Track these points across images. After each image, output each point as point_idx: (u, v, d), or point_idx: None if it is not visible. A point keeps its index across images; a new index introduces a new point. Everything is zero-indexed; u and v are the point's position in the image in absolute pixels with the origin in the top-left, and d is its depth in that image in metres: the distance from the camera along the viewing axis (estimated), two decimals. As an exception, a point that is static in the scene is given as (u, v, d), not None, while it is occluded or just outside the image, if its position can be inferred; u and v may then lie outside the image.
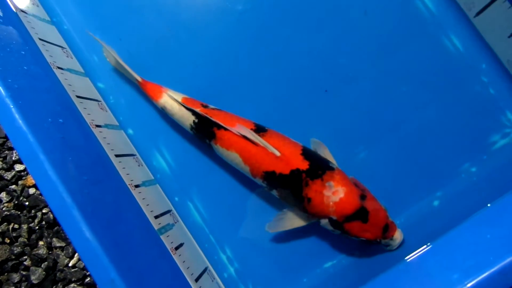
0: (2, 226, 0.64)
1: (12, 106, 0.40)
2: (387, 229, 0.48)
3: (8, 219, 0.64)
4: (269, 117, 0.56)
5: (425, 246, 0.48)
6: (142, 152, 0.56)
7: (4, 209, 0.64)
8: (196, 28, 0.58)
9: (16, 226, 0.64)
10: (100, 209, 0.42)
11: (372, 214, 0.47)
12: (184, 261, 0.49)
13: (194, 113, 0.51)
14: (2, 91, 0.40)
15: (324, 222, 0.48)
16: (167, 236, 0.49)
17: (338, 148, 0.54)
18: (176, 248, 0.50)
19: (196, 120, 0.51)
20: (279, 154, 0.47)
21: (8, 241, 0.64)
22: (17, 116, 0.40)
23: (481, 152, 0.54)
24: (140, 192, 0.50)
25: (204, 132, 0.51)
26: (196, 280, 0.50)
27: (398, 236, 0.48)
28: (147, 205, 0.50)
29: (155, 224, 0.49)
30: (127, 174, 0.50)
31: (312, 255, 0.55)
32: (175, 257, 0.48)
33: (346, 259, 0.54)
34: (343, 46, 0.57)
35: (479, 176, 0.53)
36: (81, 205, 0.39)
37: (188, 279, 0.48)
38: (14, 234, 0.63)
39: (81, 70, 0.56)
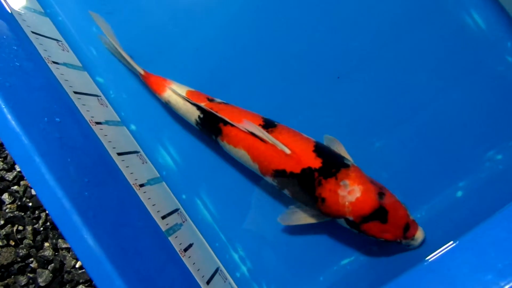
0: (6, 228, 0.62)
1: (3, 106, 0.37)
2: (408, 229, 0.45)
3: (12, 221, 0.62)
4: (278, 108, 0.53)
5: (451, 242, 0.45)
6: (146, 148, 0.53)
7: (7, 210, 0.62)
8: (198, 14, 0.54)
9: (21, 227, 0.62)
10: (102, 213, 0.39)
11: (391, 213, 0.44)
12: (194, 263, 0.47)
13: (199, 108, 0.48)
14: (-8, 91, 0.37)
15: (341, 222, 0.45)
16: (176, 237, 0.47)
17: (352, 138, 0.51)
18: (185, 250, 0.47)
19: (202, 116, 0.48)
20: (289, 151, 0.44)
21: (13, 243, 0.62)
22: (9, 116, 0.37)
23: (506, 139, 0.50)
24: (145, 192, 0.47)
25: (210, 128, 0.48)
26: (208, 282, 0.47)
27: (419, 235, 0.45)
28: (153, 205, 0.47)
29: (163, 225, 0.46)
30: (131, 173, 0.47)
31: (328, 252, 0.52)
32: (184, 260, 0.46)
33: (364, 256, 0.51)
34: (355, 28, 0.53)
35: (505, 164, 0.50)
36: (81, 210, 0.37)
37: (199, 282, 0.46)
38: (18, 236, 0.62)
39: (79, 64, 0.53)
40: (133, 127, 0.54)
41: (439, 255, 0.44)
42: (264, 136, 0.45)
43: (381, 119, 0.52)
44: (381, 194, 0.44)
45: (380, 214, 0.43)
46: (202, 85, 0.52)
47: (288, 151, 0.44)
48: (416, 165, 0.51)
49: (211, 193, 0.54)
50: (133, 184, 0.46)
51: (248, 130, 0.45)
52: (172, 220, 0.48)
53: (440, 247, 0.45)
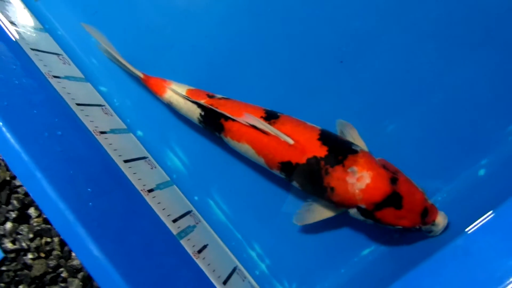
0: (35, 241, 0.64)
1: (2, 125, 0.38)
2: (426, 214, 0.42)
3: (40, 233, 0.64)
4: (281, 99, 0.51)
5: (474, 224, 0.42)
6: (154, 153, 0.53)
7: (34, 224, 0.64)
8: (191, 11, 0.53)
9: (48, 239, 0.64)
10: (107, 222, 0.39)
11: (406, 198, 0.41)
12: (209, 264, 0.46)
13: (199, 105, 0.48)
14: (-10, 111, 0.38)
15: (353, 211, 0.43)
16: (188, 240, 0.46)
17: (363, 123, 0.49)
18: (199, 251, 0.47)
19: (203, 113, 0.48)
20: (293, 142, 0.42)
21: (44, 255, 0.64)
22: (8, 135, 0.38)
23: (530, 109, 0.47)
24: (154, 197, 0.47)
25: (212, 125, 0.48)
26: (225, 282, 0.47)
27: (440, 220, 0.43)
28: (163, 209, 0.47)
29: (174, 229, 0.46)
30: (139, 179, 0.47)
31: (348, 243, 0.50)
32: (198, 261, 0.46)
33: (385, 245, 0.49)
34: (355, 7, 0.51)
35: (531, 136, 0.46)
36: (85, 221, 0.37)
37: (215, 283, 0.45)
38: (47, 248, 0.63)
39: (81, 75, 0.53)
40: (139, 133, 0.54)
41: (462, 239, 0.41)
42: (266, 128, 0.43)
43: (392, 100, 0.50)
44: (394, 179, 0.42)
45: (394, 200, 0.41)
46: (202, 81, 0.52)
47: (291, 142, 0.42)
48: (433, 146, 0.49)
49: (223, 192, 0.53)
50: (141, 190, 0.46)
51: (249, 124, 0.44)
52: (184, 222, 0.48)
53: (463, 231, 0.42)
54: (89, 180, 0.41)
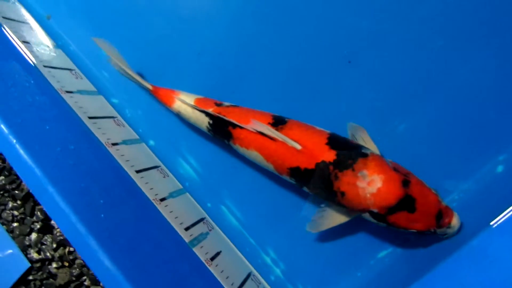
0: (59, 250, 0.66)
1: (15, 142, 0.39)
2: (441, 216, 0.41)
3: (63, 243, 0.66)
4: (290, 103, 0.51)
5: (493, 223, 0.41)
6: (166, 162, 0.54)
7: (57, 234, 0.66)
8: (195, 20, 0.54)
9: (71, 249, 0.66)
10: (118, 233, 0.40)
11: (419, 201, 0.40)
12: (222, 271, 0.47)
13: (207, 114, 0.48)
14: (4, 128, 0.39)
15: (366, 216, 0.42)
16: (201, 247, 0.47)
17: (372, 124, 0.48)
18: (212, 259, 0.47)
19: (211, 122, 0.48)
20: (300, 147, 0.42)
21: (67, 264, 0.66)
22: (21, 151, 0.39)
23: (549, 100, 0.45)
24: (166, 206, 0.48)
25: (221, 133, 0.48)
26: (239, 288, 0.47)
27: (455, 222, 0.41)
28: (176, 217, 0.47)
29: (186, 237, 0.46)
30: (151, 188, 0.48)
31: (363, 246, 0.49)
32: (211, 268, 0.46)
33: (401, 247, 0.48)
34: (361, 4, 0.50)
35: (550, 129, 0.44)
36: (96, 232, 0.38)
37: (228, 290, 0.45)
38: (70, 257, 0.65)
39: (93, 88, 0.55)
40: (151, 142, 0.55)
41: (480, 238, 0.40)
42: (273, 134, 0.43)
43: (401, 99, 0.49)
44: (405, 182, 0.41)
45: (406, 203, 0.40)
46: (210, 88, 0.52)
47: (299, 147, 0.42)
48: (447, 144, 0.47)
49: (236, 198, 0.53)
50: (153, 199, 0.47)
51: (256, 130, 0.44)
52: (197, 230, 0.49)
53: (481, 230, 0.41)
54: (101, 192, 0.42)
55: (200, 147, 0.54)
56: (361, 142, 0.46)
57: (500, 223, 0.40)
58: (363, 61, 0.50)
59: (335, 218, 0.45)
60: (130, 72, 0.52)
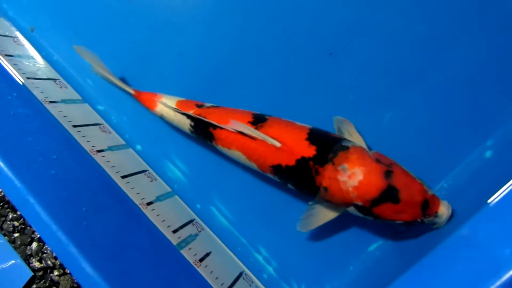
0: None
1: (-5, 156, 0.40)
2: (427, 206, 0.40)
3: (65, 250, 0.66)
4: (274, 100, 0.51)
5: (482, 208, 0.40)
6: (154, 165, 0.54)
7: (59, 242, 0.67)
8: (174, 21, 0.54)
9: (73, 256, 0.66)
10: (101, 240, 0.40)
11: (403, 191, 0.39)
12: (211, 272, 0.47)
13: (189, 116, 0.48)
14: (-17, 144, 0.40)
15: (352, 209, 0.42)
16: (189, 249, 0.47)
17: (358, 115, 0.48)
18: (201, 260, 0.47)
19: (193, 123, 0.48)
20: (279, 144, 0.42)
21: (68, 271, 0.67)
22: (2, 164, 0.40)
23: (536, 80, 0.43)
24: (153, 209, 0.48)
25: (203, 135, 0.48)
26: (230, 288, 0.47)
27: (444, 210, 0.40)
28: (163, 220, 0.47)
29: (174, 239, 0.46)
30: (137, 193, 0.48)
31: (354, 240, 0.49)
32: (200, 270, 0.46)
33: (392, 239, 0.47)
34: (339, -3, 0.49)
35: (538, 110, 0.43)
36: (78, 240, 0.38)
37: (218, 290, 0.45)
38: (73, 264, 0.66)
39: (78, 97, 0.55)
40: (139, 147, 0.55)
41: (466, 227, 0.39)
42: (252, 133, 0.43)
43: (386, 88, 0.48)
44: (388, 172, 0.40)
45: (390, 194, 0.39)
46: (194, 88, 0.52)
47: (278, 144, 0.42)
48: (434, 132, 0.46)
49: (225, 198, 0.53)
50: (140, 204, 0.47)
51: (236, 130, 0.44)
52: (185, 232, 0.49)
53: (469, 217, 0.40)
54: (84, 200, 0.43)
55: (188, 149, 0.54)
56: (346, 135, 0.45)
57: (489, 209, 0.39)
58: (344, 52, 0.49)
59: (324, 215, 0.44)
60: (111, 78, 0.52)
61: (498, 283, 0.29)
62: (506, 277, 0.29)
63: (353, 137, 0.45)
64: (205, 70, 0.53)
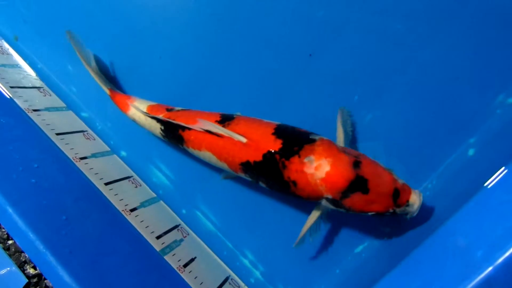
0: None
1: (-27, 167, 0.40)
2: (398, 195, 0.39)
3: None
4: (253, 101, 0.51)
5: (466, 205, 0.39)
6: (139, 171, 0.54)
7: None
8: (156, 25, 0.54)
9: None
10: (80, 248, 0.40)
11: (372, 181, 0.38)
12: (196, 277, 0.46)
13: (159, 120, 0.48)
14: (-39, 154, 0.40)
15: (324, 203, 0.41)
16: (173, 255, 0.47)
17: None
18: (185, 265, 0.47)
19: (163, 127, 0.48)
20: (246, 140, 0.41)
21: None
22: (-21, 175, 0.40)
23: (518, 76, 0.42)
24: (137, 216, 0.48)
25: (173, 138, 0.48)
26: (215, 293, 0.46)
27: (415, 199, 0.39)
28: (146, 227, 0.47)
29: (157, 245, 0.46)
30: (120, 200, 0.48)
31: (340, 242, 0.48)
32: (183, 275, 0.46)
33: (377, 240, 0.46)
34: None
35: (520, 107, 0.42)
36: (56, 249, 0.38)
37: (202, 296, 0.45)
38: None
39: (62, 104, 0.55)
40: (123, 153, 0.55)
41: (445, 227, 0.38)
42: (219, 130, 0.42)
43: (367, 88, 0.47)
44: (356, 163, 0.39)
45: (359, 184, 0.38)
46: (174, 92, 0.53)
47: (244, 140, 0.41)
48: (417, 131, 0.45)
49: (210, 203, 0.53)
50: (123, 210, 0.47)
51: (202, 129, 0.44)
52: (170, 238, 0.48)
53: (452, 215, 0.39)
54: (64, 208, 0.43)
55: (172, 155, 0.54)
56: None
57: (472, 205, 0.38)
58: (324, 52, 0.48)
59: (308, 220, 0.44)
60: (90, 72, 0.52)
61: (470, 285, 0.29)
62: (477, 280, 0.29)
63: (337, 131, 0.45)
64: (186, 73, 0.53)
